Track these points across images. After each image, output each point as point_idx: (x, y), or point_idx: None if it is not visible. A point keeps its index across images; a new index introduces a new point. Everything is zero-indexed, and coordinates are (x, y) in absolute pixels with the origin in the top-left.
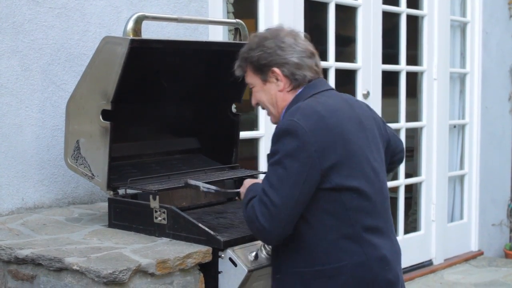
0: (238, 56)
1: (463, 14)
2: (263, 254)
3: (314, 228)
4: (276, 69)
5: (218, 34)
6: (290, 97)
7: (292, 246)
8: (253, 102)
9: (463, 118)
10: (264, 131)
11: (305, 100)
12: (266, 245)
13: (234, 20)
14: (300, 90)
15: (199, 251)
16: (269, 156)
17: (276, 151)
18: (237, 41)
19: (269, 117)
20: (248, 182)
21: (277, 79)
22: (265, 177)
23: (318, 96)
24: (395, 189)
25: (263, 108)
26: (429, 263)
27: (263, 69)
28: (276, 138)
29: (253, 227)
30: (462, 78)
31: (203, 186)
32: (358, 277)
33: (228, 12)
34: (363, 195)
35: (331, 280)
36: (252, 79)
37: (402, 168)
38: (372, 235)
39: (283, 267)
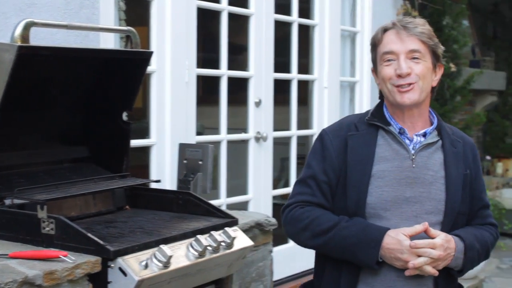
0: (419, 29)
1: (353, 24)
2: (154, 263)
3: None
4: (442, 66)
5: (109, 42)
6: (428, 97)
7: None
8: (407, 69)
9: None
10: (155, 139)
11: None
12: (157, 254)
13: (125, 28)
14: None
15: (88, 262)
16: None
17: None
18: (129, 49)
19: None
20: (447, 241)
21: (435, 75)
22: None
23: None
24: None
25: (409, 84)
26: None
27: (437, 58)
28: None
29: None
30: (352, 86)
31: None
32: None
33: (120, 20)
34: None
35: None
36: (425, 54)
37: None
38: None
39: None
